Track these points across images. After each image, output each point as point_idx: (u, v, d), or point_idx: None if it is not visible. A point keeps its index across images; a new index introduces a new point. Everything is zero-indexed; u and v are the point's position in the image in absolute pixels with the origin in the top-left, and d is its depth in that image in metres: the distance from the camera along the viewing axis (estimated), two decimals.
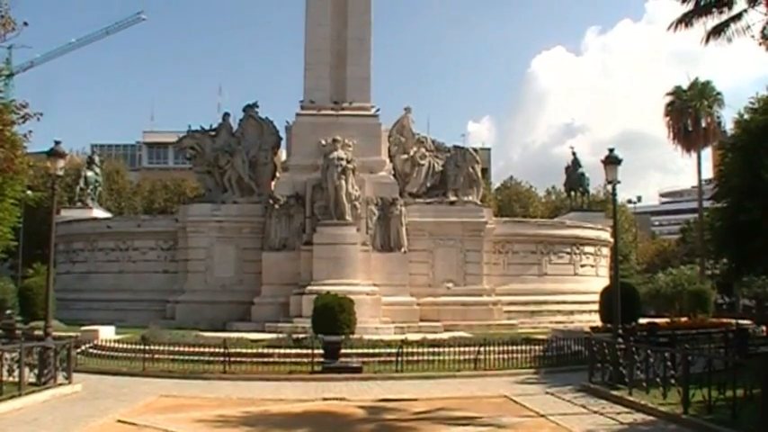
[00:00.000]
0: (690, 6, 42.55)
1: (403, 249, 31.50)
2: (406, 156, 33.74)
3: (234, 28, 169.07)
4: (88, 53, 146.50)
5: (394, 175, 33.36)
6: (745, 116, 32.73)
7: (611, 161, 28.84)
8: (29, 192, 36.60)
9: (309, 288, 28.82)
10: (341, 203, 30.25)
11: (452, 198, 33.47)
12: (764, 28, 39.79)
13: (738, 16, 42.07)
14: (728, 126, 44.57)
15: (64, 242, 36.23)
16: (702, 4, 42.12)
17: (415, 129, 34.73)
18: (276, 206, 31.52)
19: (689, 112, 54.10)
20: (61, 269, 35.70)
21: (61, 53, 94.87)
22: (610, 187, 28.97)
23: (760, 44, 38.81)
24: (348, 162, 30.54)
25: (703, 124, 54.12)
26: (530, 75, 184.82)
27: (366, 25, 34.05)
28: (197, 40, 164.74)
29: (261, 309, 30.40)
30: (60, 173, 21.62)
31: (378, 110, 33.80)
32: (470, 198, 33.82)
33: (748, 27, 41.27)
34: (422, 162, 33.74)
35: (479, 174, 34.63)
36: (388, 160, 33.62)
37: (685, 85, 55.56)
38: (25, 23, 24.17)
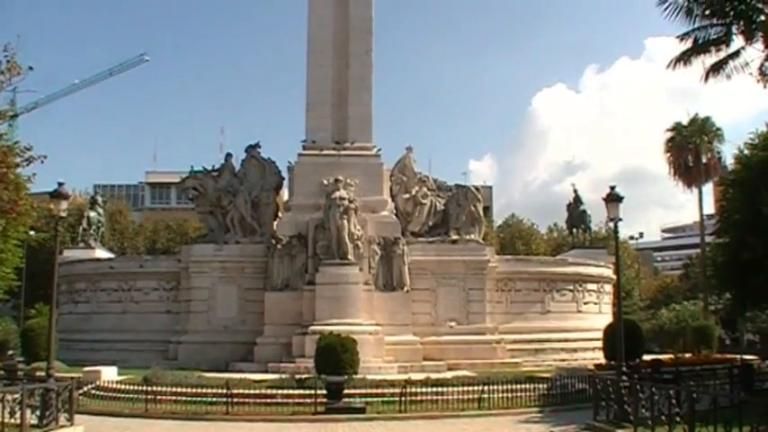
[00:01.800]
0: (688, 45, 42.96)
1: (405, 288, 31.48)
2: (407, 195, 33.86)
3: (236, 68, 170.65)
4: (91, 94, 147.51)
5: (396, 215, 33.45)
6: (746, 152, 32.93)
7: (613, 199, 28.93)
8: (32, 232, 36.74)
9: (312, 328, 28.74)
10: (343, 243, 30.28)
11: (454, 237, 33.54)
12: (762, 65, 40.23)
13: (736, 53, 42.46)
14: (729, 161, 44.73)
15: (66, 282, 36.24)
16: (700, 42, 42.58)
17: (416, 168, 34.93)
18: (279, 246, 31.56)
19: (689, 148, 54.36)
20: (64, 309, 35.65)
21: (65, 94, 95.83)
22: (612, 224, 29.15)
23: (758, 81, 39.23)
24: (350, 202, 30.62)
25: (704, 160, 54.34)
26: (531, 112, 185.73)
27: (367, 65, 34.35)
28: (199, 80, 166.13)
29: (264, 349, 30.29)
30: (63, 214, 21.74)
31: (379, 149, 34.06)
32: (472, 236, 33.87)
33: (746, 64, 41.61)
34: (424, 201, 33.84)
35: (481, 212, 34.74)
36: (390, 200, 33.72)
37: (685, 121, 55.91)
38: (30, 68, 24.46)
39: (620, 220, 29.26)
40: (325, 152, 33.22)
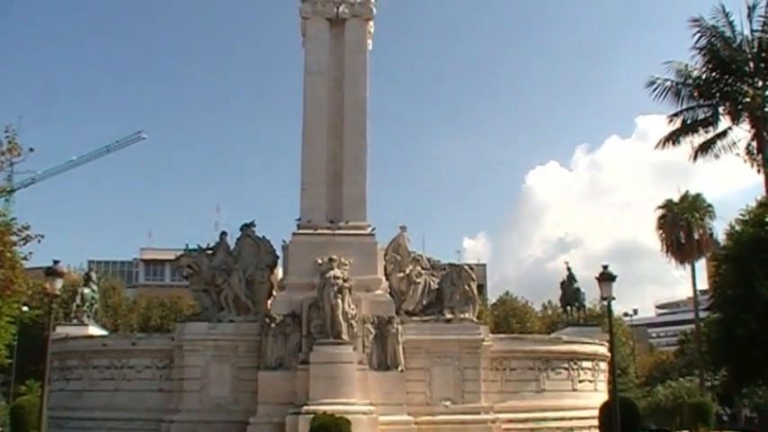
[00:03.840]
0: (677, 125, 44.09)
1: (400, 368, 31.28)
2: (402, 274, 33.88)
3: (232, 147, 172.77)
4: (88, 169, 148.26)
5: (390, 294, 33.43)
6: (737, 228, 33.36)
7: (606, 278, 29.10)
8: (25, 308, 36.66)
9: (306, 408, 28.45)
10: (337, 322, 30.23)
11: (449, 316, 33.45)
12: (749, 145, 41.13)
13: (724, 133, 43.52)
14: (720, 237, 45.23)
15: (58, 359, 35.93)
16: (689, 122, 43.65)
17: (410, 247, 35.00)
18: (272, 325, 31.47)
19: (681, 224, 55.00)
20: (55, 386, 35.23)
21: (62, 170, 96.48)
22: (605, 303, 29.24)
23: (745, 161, 40.00)
24: (344, 281, 30.69)
25: (696, 236, 54.91)
26: (525, 190, 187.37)
27: (362, 146, 34.75)
28: (196, 158, 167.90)
29: (257, 429, 29.91)
30: (58, 292, 21.82)
31: (374, 228, 34.19)
32: (467, 315, 33.81)
33: (734, 144, 42.81)
34: (418, 280, 33.89)
35: (475, 291, 34.76)
36: (384, 279, 33.76)
37: (676, 198, 56.58)
38: (31, 149, 24.90)
39: (614, 298, 29.46)
40: (320, 231, 33.40)
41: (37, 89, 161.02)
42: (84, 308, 41.55)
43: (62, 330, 38.47)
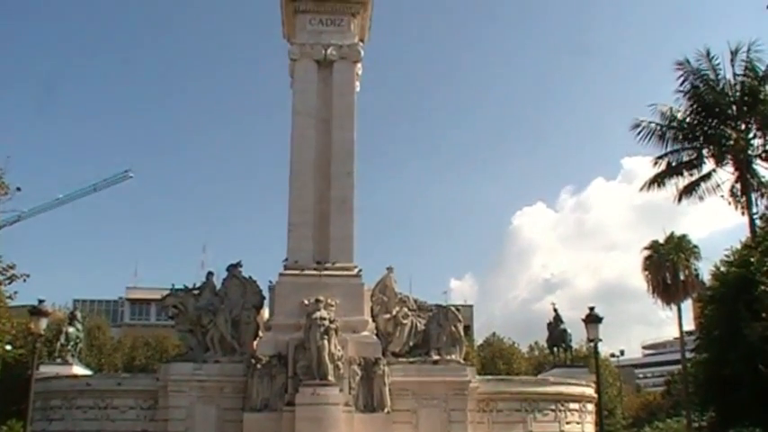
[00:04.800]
0: (662, 167, 44.52)
1: (386, 410, 31.08)
2: (388, 315, 33.84)
3: (219, 187, 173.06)
4: (74, 208, 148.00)
5: (377, 335, 33.35)
6: (722, 269, 33.54)
7: (593, 320, 29.20)
8: (8, 347, 36.36)
9: None
10: (323, 364, 30.08)
11: (435, 357, 33.34)
12: (733, 187, 41.53)
13: (708, 176, 43.95)
14: (706, 278, 45.44)
15: (41, 399, 35.47)
16: (673, 165, 44.07)
17: (397, 288, 34.99)
18: (258, 366, 31.30)
19: (667, 265, 55.24)
20: (37, 427, 34.75)
21: (49, 208, 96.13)
22: (592, 344, 29.30)
23: (729, 203, 40.35)
24: (331, 322, 30.58)
25: (682, 277, 55.18)
26: (511, 231, 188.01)
27: (349, 187, 34.87)
28: (182, 198, 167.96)
29: None
30: (42, 332, 21.73)
31: (360, 270, 34.17)
32: (453, 357, 33.72)
33: (718, 186, 43.17)
34: (404, 321, 33.84)
35: (462, 332, 34.75)
36: (370, 320, 33.70)
37: (662, 239, 56.89)
38: (18, 189, 24.94)
39: (600, 340, 29.50)
40: (306, 272, 33.35)
41: (23, 126, 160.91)
42: (69, 347, 41.16)
43: (46, 370, 38.15)
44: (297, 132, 35.45)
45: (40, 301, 26.89)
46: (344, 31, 36.44)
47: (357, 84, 37.01)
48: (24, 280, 26.13)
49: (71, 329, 41.86)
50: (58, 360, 40.22)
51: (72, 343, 41.49)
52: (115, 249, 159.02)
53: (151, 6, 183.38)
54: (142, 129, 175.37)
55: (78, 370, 39.92)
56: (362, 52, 36.88)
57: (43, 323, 25.36)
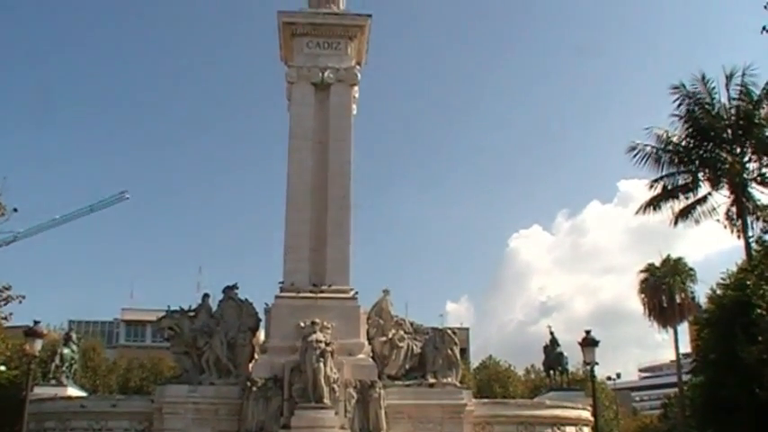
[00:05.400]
0: (657, 191, 44.58)
1: None
2: (384, 338, 33.76)
3: (215, 209, 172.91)
4: (70, 228, 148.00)
5: (373, 358, 33.27)
6: (718, 292, 33.54)
7: (589, 343, 29.20)
8: (2, 367, 36.19)
9: None
10: (319, 386, 29.99)
11: (431, 380, 33.27)
12: (729, 210, 41.62)
13: (704, 199, 44.00)
14: (702, 300, 45.41)
15: (35, 420, 35.26)
16: (669, 188, 44.13)
17: (393, 311, 34.91)
18: (254, 388, 31.19)
19: (663, 288, 55.38)
20: None
21: (45, 228, 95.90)
22: (589, 367, 29.25)
23: (725, 227, 40.42)
24: (327, 345, 30.55)
25: (678, 300, 55.30)
26: (508, 253, 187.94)
27: (346, 210, 34.95)
28: (179, 219, 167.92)
29: None
30: (37, 353, 21.67)
31: (356, 292, 34.16)
32: (449, 380, 33.65)
33: (714, 209, 43.24)
34: (400, 344, 33.77)
35: (458, 355, 34.69)
36: (366, 343, 33.63)
37: (658, 263, 57.03)
38: (15, 210, 24.93)
39: (597, 363, 29.44)
40: (303, 295, 33.34)
41: (20, 146, 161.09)
42: (64, 368, 41.01)
43: (40, 391, 37.98)
44: (294, 155, 35.57)
45: (36, 323, 26.78)
46: (341, 54, 36.69)
47: (354, 107, 37.20)
48: (20, 302, 26.08)
49: (66, 350, 41.71)
50: (53, 381, 40.04)
51: (67, 364, 41.33)
52: (111, 270, 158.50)
53: (149, 28, 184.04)
54: (139, 149, 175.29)
55: (73, 391, 39.73)
56: (359, 75, 37.12)
57: (38, 345, 25.24)
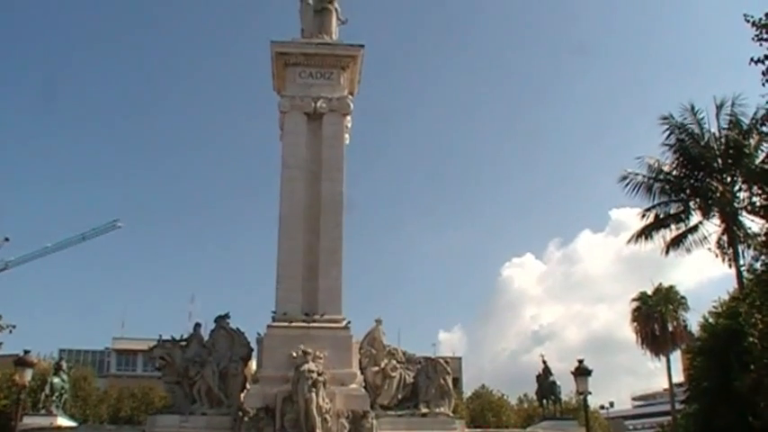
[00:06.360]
0: (649, 220, 44.82)
1: None
2: (377, 368, 33.64)
3: (207, 238, 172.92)
4: (62, 257, 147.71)
5: (365, 388, 33.05)
6: (710, 320, 33.66)
7: (582, 373, 29.20)
8: None
9: None
10: (311, 416, 29.80)
11: (424, 410, 33.06)
12: (720, 239, 41.82)
13: (695, 228, 44.22)
14: (695, 329, 45.57)
15: None
16: (661, 217, 44.37)
17: (386, 340, 34.84)
18: (245, 418, 30.94)
19: (655, 317, 55.59)
20: None
21: (37, 256, 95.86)
22: (582, 396, 29.19)
23: (717, 256, 40.60)
24: (319, 375, 30.38)
25: (670, 328, 55.51)
26: (500, 282, 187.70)
27: (338, 239, 34.86)
28: (170, 248, 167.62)
29: None
30: (27, 383, 21.54)
31: (349, 322, 33.99)
32: (442, 409, 33.45)
33: (705, 238, 43.44)
34: (393, 374, 33.65)
35: (451, 385, 34.55)
36: (359, 372, 33.44)
37: (650, 291, 57.24)
38: (6, 239, 24.87)
39: (590, 393, 29.35)
40: (295, 324, 33.16)
41: (12, 174, 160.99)
42: (54, 398, 40.71)
43: (29, 421, 37.68)
44: (286, 184, 35.55)
45: (26, 352, 26.58)
46: (334, 84, 36.81)
47: (347, 136, 37.28)
48: (10, 331, 25.94)
49: (56, 380, 41.44)
50: (43, 411, 39.70)
51: (57, 393, 41.05)
52: (102, 299, 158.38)
53: (141, 59, 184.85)
54: (131, 178, 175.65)
55: (63, 421, 39.42)
56: (352, 105, 37.23)
57: (28, 374, 25.04)
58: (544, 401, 44.38)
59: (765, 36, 20.82)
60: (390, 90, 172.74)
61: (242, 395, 33.31)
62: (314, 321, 33.40)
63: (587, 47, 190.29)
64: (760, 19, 20.92)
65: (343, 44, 37.88)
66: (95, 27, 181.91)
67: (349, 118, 37.54)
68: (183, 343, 34.58)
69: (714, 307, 34.03)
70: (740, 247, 39.94)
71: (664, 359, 57.21)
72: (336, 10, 38.58)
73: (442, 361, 35.61)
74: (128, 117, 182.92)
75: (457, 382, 55.82)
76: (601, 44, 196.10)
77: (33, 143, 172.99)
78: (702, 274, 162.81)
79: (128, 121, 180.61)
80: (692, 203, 43.48)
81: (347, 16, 38.96)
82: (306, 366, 30.65)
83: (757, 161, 41.08)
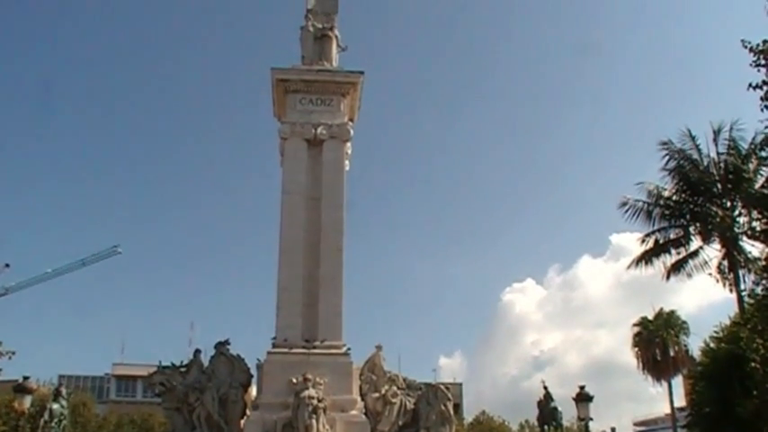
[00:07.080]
0: (649, 245, 44.90)
1: None
2: (377, 394, 33.53)
3: (207, 264, 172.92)
4: (62, 282, 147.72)
5: (365, 414, 32.92)
6: (711, 345, 33.59)
7: (583, 399, 29.10)
8: None
9: None
10: None
11: None
12: (720, 264, 41.88)
13: (695, 253, 44.30)
14: (696, 353, 45.48)
15: None
16: (661, 242, 44.47)
17: (386, 366, 34.76)
18: None
19: (656, 342, 55.57)
20: None
21: (36, 282, 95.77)
22: (583, 422, 29.09)
23: (717, 281, 40.64)
24: (319, 401, 30.28)
25: (671, 353, 55.45)
26: (501, 307, 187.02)
27: (338, 265, 34.83)
28: (171, 274, 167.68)
29: None
30: (26, 410, 21.46)
31: (349, 348, 33.89)
32: None
33: (705, 263, 43.50)
34: (393, 400, 33.49)
35: (451, 411, 34.37)
36: (359, 399, 33.30)
37: (651, 316, 57.25)
38: (7, 265, 24.89)
39: (591, 419, 29.24)
40: (295, 351, 33.04)
41: (14, 199, 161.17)
42: (53, 424, 40.39)
43: None
44: (286, 210, 35.58)
45: (25, 378, 26.44)
46: (334, 110, 36.95)
47: (347, 162, 37.37)
48: (10, 357, 25.89)
49: (55, 406, 41.19)
50: None
51: (56, 420, 40.77)
52: (102, 325, 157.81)
53: (141, 82, 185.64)
54: (132, 204, 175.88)
55: None
56: (352, 131, 37.35)
57: (27, 401, 24.93)
58: (545, 427, 44.21)
59: (763, 62, 20.98)
60: (390, 117, 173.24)
61: (242, 422, 33.17)
62: (314, 347, 33.28)
63: (590, 57, 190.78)
64: (758, 45, 21.09)
65: (343, 71, 38.07)
66: (88, 55, 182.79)
67: (349, 144, 37.65)
68: (183, 369, 34.52)
69: (715, 332, 33.97)
70: (741, 272, 40.04)
71: (665, 384, 57.19)
72: (337, 37, 38.85)
73: (442, 387, 35.47)
74: (128, 145, 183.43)
75: (457, 407, 55.66)
76: (601, 67, 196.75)
77: (33, 170, 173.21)
78: (703, 299, 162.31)
79: (128, 150, 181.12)
80: (692, 228, 43.61)
81: (347, 43, 39.23)
82: (306, 393, 30.54)
83: (756, 186, 41.25)
